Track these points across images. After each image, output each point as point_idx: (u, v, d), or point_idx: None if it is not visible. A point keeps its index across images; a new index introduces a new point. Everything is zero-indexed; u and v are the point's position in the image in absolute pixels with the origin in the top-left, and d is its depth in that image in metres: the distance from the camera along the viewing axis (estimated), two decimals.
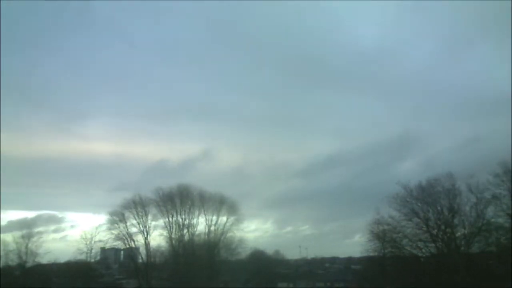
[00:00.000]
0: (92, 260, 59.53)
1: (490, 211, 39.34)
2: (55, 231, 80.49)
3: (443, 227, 40.65)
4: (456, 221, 40.43)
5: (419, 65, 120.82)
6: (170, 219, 57.11)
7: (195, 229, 58.42)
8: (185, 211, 57.53)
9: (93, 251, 57.85)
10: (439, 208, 40.87)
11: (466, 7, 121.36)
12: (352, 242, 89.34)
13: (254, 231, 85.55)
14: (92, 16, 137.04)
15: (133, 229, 55.73)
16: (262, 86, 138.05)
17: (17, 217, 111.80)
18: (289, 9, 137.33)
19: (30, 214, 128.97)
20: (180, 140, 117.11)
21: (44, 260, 56.41)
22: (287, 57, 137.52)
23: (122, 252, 74.01)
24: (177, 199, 57.58)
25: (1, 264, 54.53)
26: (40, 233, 57.78)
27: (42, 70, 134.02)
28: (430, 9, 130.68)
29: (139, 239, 56.39)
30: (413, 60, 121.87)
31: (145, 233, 55.96)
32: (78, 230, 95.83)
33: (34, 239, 55.67)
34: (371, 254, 46.80)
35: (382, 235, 44.11)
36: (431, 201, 41.24)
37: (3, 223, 60.59)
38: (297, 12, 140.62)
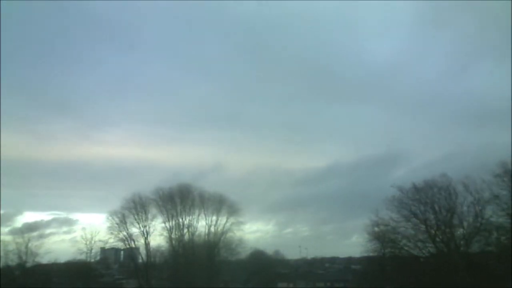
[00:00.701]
0: (92, 260, 59.71)
1: (489, 211, 39.38)
2: (66, 232, 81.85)
3: (442, 227, 40.66)
4: (455, 221, 40.45)
5: (428, 78, 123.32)
6: (170, 219, 57.19)
7: (195, 229, 58.51)
8: (185, 211, 57.60)
9: (93, 251, 58.07)
10: (437, 208, 40.90)
11: (472, 25, 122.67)
12: (352, 242, 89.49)
13: (255, 232, 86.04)
14: (113, 27, 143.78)
15: (133, 229, 55.86)
16: (276, 97, 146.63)
17: (34, 218, 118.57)
18: (306, 23, 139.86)
19: (47, 216, 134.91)
20: (194, 146, 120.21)
21: (44, 260, 56.46)
22: (301, 69, 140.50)
23: (122, 252, 74.13)
24: (177, 199, 57.65)
25: (1, 264, 54.58)
26: (51, 234, 58.18)
27: (67, 79, 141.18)
28: (439, 24, 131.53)
29: (139, 239, 56.51)
30: (422, 74, 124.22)
31: (145, 233, 56.05)
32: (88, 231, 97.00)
33: (35, 239, 55.82)
34: (371, 254, 46.79)
35: (381, 235, 44.12)
36: (429, 201, 41.28)
37: (18, 224, 61.20)
38: (313, 25, 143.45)
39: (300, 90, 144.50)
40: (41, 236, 56.20)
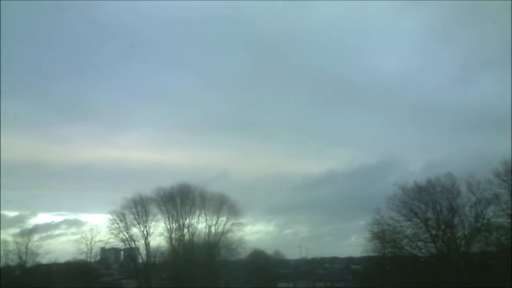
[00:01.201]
0: (92, 260, 59.66)
1: (490, 211, 39.34)
2: (74, 233, 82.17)
3: (443, 227, 40.62)
4: (456, 221, 40.39)
5: (433, 88, 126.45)
6: (171, 219, 57.19)
7: (195, 229, 58.54)
8: (185, 211, 57.61)
9: (93, 251, 58.08)
10: (438, 208, 40.81)
11: (476, 39, 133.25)
12: (352, 242, 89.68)
13: (256, 232, 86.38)
14: (134, 38, 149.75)
15: (133, 229, 55.87)
16: (285, 105, 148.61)
17: (46, 220, 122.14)
18: (319, 34, 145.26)
19: (58, 218, 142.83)
20: (203, 150, 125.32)
21: (44, 260, 56.49)
22: (313, 79, 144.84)
23: (122, 252, 74.05)
24: (178, 199, 57.67)
25: (1, 264, 54.58)
26: (59, 235, 58.31)
27: (86, 86, 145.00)
28: (445, 38, 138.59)
29: (139, 239, 56.51)
30: (428, 84, 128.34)
31: (145, 233, 56.06)
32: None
33: (35, 239, 55.81)
34: (371, 254, 46.74)
35: (382, 235, 44.10)
36: (431, 201, 41.16)
37: (29, 226, 61.69)
38: (326, 36, 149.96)
39: (309, 99, 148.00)
40: (49, 237, 56.34)
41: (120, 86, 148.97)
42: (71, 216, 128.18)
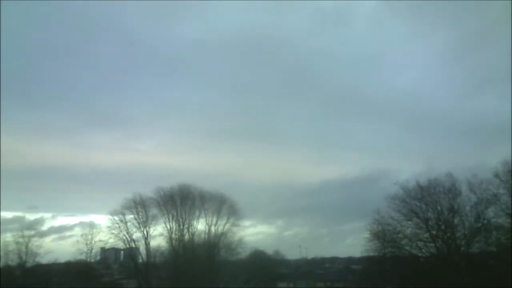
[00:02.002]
0: (92, 260, 59.55)
1: (490, 211, 39.35)
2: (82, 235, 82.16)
3: (443, 227, 40.63)
4: (456, 221, 40.40)
5: (442, 104, 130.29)
6: (171, 219, 57.17)
7: (195, 229, 58.51)
8: (185, 211, 57.57)
9: (93, 251, 57.89)
10: (439, 208, 40.83)
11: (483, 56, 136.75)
12: (352, 242, 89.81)
13: (257, 234, 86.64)
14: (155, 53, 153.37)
15: (133, 229, 55.85)
16: (300, 116, 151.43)
17: (64, 222, 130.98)
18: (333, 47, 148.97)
19: (75, 220, 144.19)
20: (216, 155, 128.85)
21: (44, 260, 56.39)
22: (328, 89, 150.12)
23: (122, 252, 74.08)
24: (178, 199, 57.60)
25: (1, 264, 54.53)
26: (71, 236, 58.53)
27: (114, 97, 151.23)
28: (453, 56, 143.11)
29: (139, 239, 56.50)
30: (436, 98, 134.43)
31: (145, 233, 56.04)
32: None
33: (34, 239, 55.78)
34: (371, 254, 46.80)
35: (382, 235, 44.12)
36: (431, 201, 41.20)
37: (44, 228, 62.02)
38: (341, 47, 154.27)
39: (321, 109, 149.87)
40: (61, 238, 56.20)
41: (144, 97, 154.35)
42: (85, 218, 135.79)
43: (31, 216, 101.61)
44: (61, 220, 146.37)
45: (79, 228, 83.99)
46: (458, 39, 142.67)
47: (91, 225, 59.15)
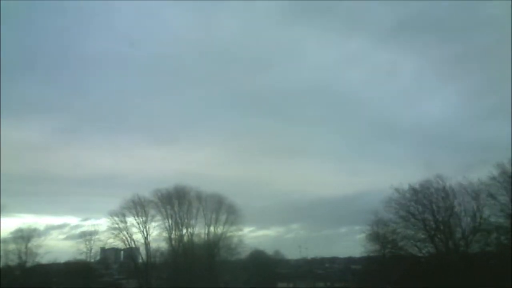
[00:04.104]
0: (92, 260, 59.69)
1: (487, 211, 39.41)
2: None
3: (441, 227, 40.67)
4: (452, 221, 40.46)
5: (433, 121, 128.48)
6: (169, 219, 57.22)
7: (194, 229, 58.55)
8: (183, 211, 57.63)
9: (93, 251, 58.09)
10: (435, 208, 40.92)
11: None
12: (351, 242, 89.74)
13: (258, 236, 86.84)
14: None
15: (133, 229, 55.93)
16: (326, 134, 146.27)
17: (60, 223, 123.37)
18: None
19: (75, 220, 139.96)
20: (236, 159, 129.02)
21: (44, 260, 56.59)
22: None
23: (122, 252, 74.10)
24: (175, 200, 57.66)
25: (1, 264, 54.66)
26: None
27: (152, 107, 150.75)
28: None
29: (139, 239, 56.56)
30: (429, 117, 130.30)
31: (145, 233, 56.12)
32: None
33: (34, 239, 55.86)
34: (371, 254, 46.83)
35: (381, 236, 44.18)
36: (427, 202, 41.31)
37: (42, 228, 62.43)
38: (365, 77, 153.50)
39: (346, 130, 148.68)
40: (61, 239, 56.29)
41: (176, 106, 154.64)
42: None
43: (31, 218, 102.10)
44: (61, 221, 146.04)
45: (79, 229, 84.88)
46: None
47: (92, 226, 59.55)
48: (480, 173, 40.46)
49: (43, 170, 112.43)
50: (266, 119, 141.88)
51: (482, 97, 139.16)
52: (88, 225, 59.00)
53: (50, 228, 77.57)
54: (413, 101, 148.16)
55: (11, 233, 56.38)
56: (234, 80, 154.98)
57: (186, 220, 57.54)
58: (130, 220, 55.73)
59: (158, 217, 57.08)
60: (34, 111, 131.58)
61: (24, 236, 55.43)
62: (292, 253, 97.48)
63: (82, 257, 57.79)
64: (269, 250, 76.30)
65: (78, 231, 58.81)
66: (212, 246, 58.55)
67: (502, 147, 39.28)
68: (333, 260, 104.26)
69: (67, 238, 60.44)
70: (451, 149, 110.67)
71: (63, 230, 79.55)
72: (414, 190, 42.13)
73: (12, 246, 54.84)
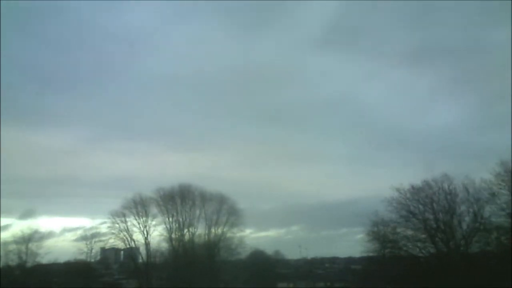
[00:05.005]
0: (92, 260, 59.72)
1: (487, 211, 39.41)
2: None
3: (441, 227, 40.67)
4: (454, 221, 40.46)
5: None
6: (171, 218, 57.24)
7: (195, 229, 58.57)
8: (185, 211, 57.66)
9: (93, 251, 58.10)
10: (436, 208, 40.91)
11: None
12: (352, 242, 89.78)
13: (258, 238, 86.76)
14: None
15: (133, 229, 55.93)
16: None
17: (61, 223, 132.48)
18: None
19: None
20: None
21: (44, 260, 56.50)
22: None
23: (122, 252, 74.09)
24: (178, 199, 57.68)
25: (1, 264, 54.63)
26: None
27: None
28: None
29: (139, 239, 56.56)
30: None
31: (145, 233, 56.13)
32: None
33: (35, 239, 55.82)
34: (371, 254, 46.76)
35: (381, 235, 44.15)
36: (428, 201, 41.28)
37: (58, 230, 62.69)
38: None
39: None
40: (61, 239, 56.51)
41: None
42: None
43: (31, 219, 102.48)
44: (61, 221, 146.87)
45: (79, 229, 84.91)
46: None
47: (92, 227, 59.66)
48: (482, 173, 40.39)
49: (69, 174, 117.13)
50: (280, 129, 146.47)
51: (487, 108, 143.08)
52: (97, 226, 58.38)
53: (66, 230, 77.67)
54: (422, 113, 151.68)
55: (12, 235, 56.56)
56: (258, 94, 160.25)
57: (188, 220, 57.64)
58: (131, 220, 55.79)
59: (159, 217, 57.18)
60: (67, 122, 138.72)
61: (25, 237, 55.45)
62: (292, 253, 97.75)
63: (82, 257, 57.90)
64: (269, 250, 76.52)
65: (90, 232, 58.28)
66: (213, 246, 58.58)
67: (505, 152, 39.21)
68: (333, 260, 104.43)
69: (77, 240, 60.39)
70: (455, 155, 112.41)
71: (77, 232, 79.37)
72: (415, 190, 42.05)
73: (12, 246, 54.87)
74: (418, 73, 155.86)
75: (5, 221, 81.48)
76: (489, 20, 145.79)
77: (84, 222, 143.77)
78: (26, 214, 73.66)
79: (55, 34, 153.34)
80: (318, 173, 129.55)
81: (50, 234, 58.26)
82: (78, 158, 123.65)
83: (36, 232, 56.58)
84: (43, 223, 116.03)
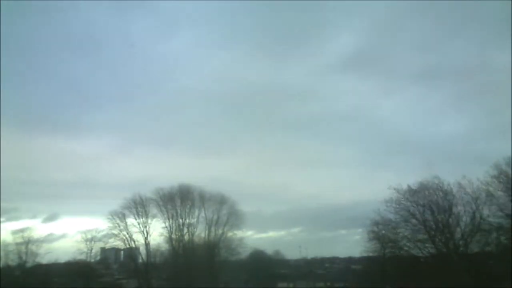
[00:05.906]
0: (92, 260, 59.61)
1: (485, 211, 39.48)
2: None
3: (441, 227, 40.70)
4: (452, 221, 40.51)
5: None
6: (170, 219, 57.25)
7: (195, 229, 58.59)
8: (185, 211, 57.68)
9: (93, 251, 57.96)
10: (434, 208, 40.96)
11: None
12: (352, 242, 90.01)
13: (259, 238, 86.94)
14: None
15: (133, 229, 55.93)
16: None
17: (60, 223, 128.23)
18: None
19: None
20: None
21: (44, 260, 56.35)
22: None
23: (122, 252, 74.03)
24: (178, 199, 57.70)
25: (1, 264, 54.56)
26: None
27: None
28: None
29: (139, 239, 56.56)
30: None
31: (145, 233, 56.14)
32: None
33: (35, 239, 55.80)
34: (371, 254, 46.86)
35: (381, 235, 44.20)
36: (426, 202, 41.36)
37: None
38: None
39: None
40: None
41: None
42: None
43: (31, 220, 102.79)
44: (61, 221, 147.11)
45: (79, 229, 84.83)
46: None
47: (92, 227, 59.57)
48: (479, 174, 40.49)
49: (92, 178, 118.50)
50: (296, 138, 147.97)
51: (489, 119, 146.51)
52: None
53: (79, 232, 77.69)
54: (430, 124, 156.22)
55: (12, 232, 56.48)
56: (278, 108, 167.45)
57: (187, 220, 57.68)
58: (131, 220, 55.81)
59: (159, 217, 57.20)
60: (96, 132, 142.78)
61: (25, 237, 55.40)
62: (292, 253, 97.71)
63: (82, 257, 57.74)
64: (269, 250, 76.59)
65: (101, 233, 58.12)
66: (213, 246, 58.61)
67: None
68: (333, 260, 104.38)
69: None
70: (458, 160, 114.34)
71: (91, 233, 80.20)
72: (412, 190, 42.16)
73: (12, 246, 54.83)
74: (428, 90, 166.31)
75: (27, 223, 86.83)
76: (492, 44, 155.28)
77: (98, 224, 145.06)
78: (49, 218, 77.38)
79: (109, 57, 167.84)
80: (323, 177, 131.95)
81: (64, 235, 57.83)
82: (101, 163, 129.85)
83: (50, 234, 56.93)
84: (62, 224, 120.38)
